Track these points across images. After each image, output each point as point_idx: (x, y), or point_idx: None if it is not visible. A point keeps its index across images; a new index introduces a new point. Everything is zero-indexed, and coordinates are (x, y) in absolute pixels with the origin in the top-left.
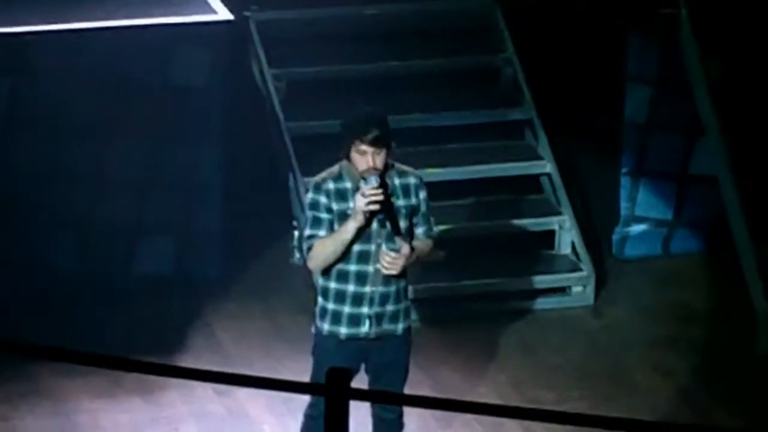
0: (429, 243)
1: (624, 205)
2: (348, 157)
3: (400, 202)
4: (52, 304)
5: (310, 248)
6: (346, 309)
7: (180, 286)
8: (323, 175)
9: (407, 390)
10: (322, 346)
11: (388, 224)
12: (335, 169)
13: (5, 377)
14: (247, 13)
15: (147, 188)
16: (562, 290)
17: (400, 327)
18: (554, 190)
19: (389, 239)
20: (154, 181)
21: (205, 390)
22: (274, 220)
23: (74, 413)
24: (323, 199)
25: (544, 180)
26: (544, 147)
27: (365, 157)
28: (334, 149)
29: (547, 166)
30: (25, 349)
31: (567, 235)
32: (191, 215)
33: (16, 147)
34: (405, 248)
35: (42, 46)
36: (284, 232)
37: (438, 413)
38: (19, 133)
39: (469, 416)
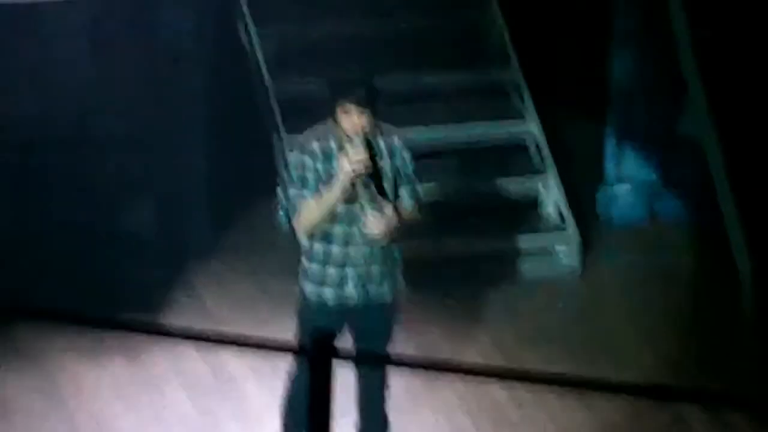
0: (413, 204)
1: (609, 166)
2: (333, 118)
3: (385, 164)
4: (33, 264)
5: (295, 210)
6: (331, 272)
7: (164, 246)
8: (308, 136)
9: (391, 351)
10: (307, 307)
11: (372, 185)
12: (320, 130)
13: None
14: None
15: (131, 149)
16: (547, 254)
17: (386, 291)
18: (539, 151)
19: (374, 200)
20: (139, 142)
21: (188, 350)
22: (259, 180)
23: (56, 372)
24: (308, 161)
25: (529, 140)
26: (529, 108)
27: (351, 118)
28: (319, 109)
29: (531, 126)
30: (6, 309)
31: (551, 195)
32: (176, 176)
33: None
34: (389, 209)
35: (31, 7)
36: (269, 192)
37: (422, 374)
38: (4, 93)
39: (453, 377)
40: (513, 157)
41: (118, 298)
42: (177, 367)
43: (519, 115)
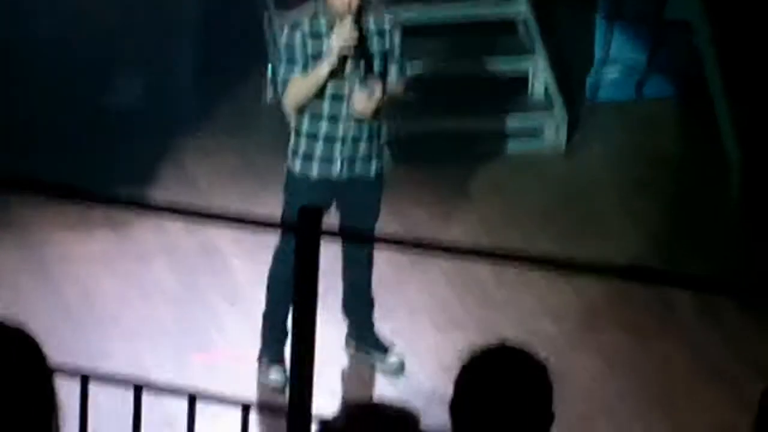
0: (401, 85)
1: (599, 48)
2: None
3: (375, 43)
4: (21, 138)
5: (284, 88)
6: (319, 148)
7: (152, 120)
8: (298, 14)
9: (377, 228)
10: (294, 184)
11: (362, 65)
12: (310, 8)
13: None
14: None
15: (120, 23)
16: (535, 133)
17: (372, 169)
18: (529, 31)
19: (363, 80)
20: (128, 17)
21: (176, 225)
22: (248, 56)
23: (43, 245)
24: (298, 39)
25: (519, 22)
26: None
27: None
28: None
29: (521, 6)
30: None
31: (541, 76)
32: (164, 50)
33: None
34: (378, 89)
35: None
36: (258, 68)
37: (408, 252)
38: None
39: (438, 255)
40: (503, 37)
41: (106, 172)
42: (164, 242)
43: None
